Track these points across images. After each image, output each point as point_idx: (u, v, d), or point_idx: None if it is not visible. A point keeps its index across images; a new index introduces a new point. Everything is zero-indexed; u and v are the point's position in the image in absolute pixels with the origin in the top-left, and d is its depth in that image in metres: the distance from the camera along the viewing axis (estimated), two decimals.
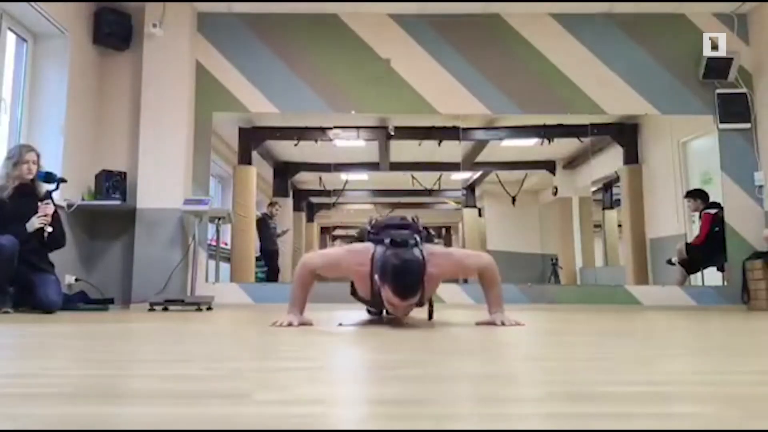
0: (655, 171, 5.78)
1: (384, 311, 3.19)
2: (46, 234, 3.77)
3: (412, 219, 2.67)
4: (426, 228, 2.64)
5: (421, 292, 2.30)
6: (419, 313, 3.47)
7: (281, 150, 6.10)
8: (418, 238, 2.43)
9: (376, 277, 2.31)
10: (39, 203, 3.78)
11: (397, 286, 2.23)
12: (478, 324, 2.52)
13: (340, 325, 2.52)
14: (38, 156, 3.88)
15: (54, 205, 3.88)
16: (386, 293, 2.26)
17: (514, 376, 1.12)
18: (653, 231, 5.64)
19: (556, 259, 5.85)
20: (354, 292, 2.82)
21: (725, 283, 5.41)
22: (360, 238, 2.62)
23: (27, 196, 3.80)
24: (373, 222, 2.65)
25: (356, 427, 0.69)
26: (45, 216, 3.75)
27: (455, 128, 5.71)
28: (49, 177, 3.86)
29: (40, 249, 3.85)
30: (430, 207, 6.30)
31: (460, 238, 5.99)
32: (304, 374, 1.12)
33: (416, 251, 2.33)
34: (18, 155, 3.80)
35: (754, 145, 5.47)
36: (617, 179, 5.86)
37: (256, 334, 2.09)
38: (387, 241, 2.38)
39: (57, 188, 3.94)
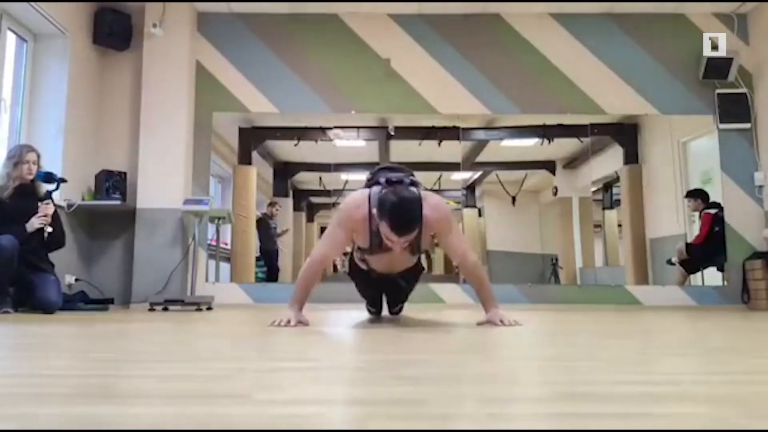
0: (655, 171, 5.78)
1: (382, 310, 3.20)
2: (46, 234, 3.77)
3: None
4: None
5: (419, 230, 2.33)
6: (418, 313, 3.48)
7: (281, 150, 6.10)
8: (413, 179, 2.51)
9: (374, 212, 2.34)
10: (39, 203, 3.78)
11: (395, 220, 2.25)
12: (479, 324, 2.52)
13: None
14: (38, 156, 3.88)
15: (54, 205, 3.88)
16: (384, 229, 2.28)
17: (514, 376, 1.12)
18: (653, 231, 5.64)
19: (556, 259, 5.85)
20: (351, 270, 2.84)
21: (725, 283, 5.41)
22: None
23: (27, 196, 3.79)
24: (370, 172, 2.70)
25: (356, 427, 0.69)
26: (45, 216, 3.75)
27: (455, 128, 5.71)
28: (49, 177, 3.86)
29: (40, 249, 3.84)
30: None
31: None
32: (304, 374, 1.12)
33: (413, 188, 2.40)
34: (18, 155, 3.80)
35: (754, 145, 5.47)
36: (617, 179, 5.86)
37: (256, 334, 2.09)
38: (383, 180, 2.45)
39: (57, 188, 3.94)
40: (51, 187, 3.89)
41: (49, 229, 3.77)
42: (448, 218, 2.57)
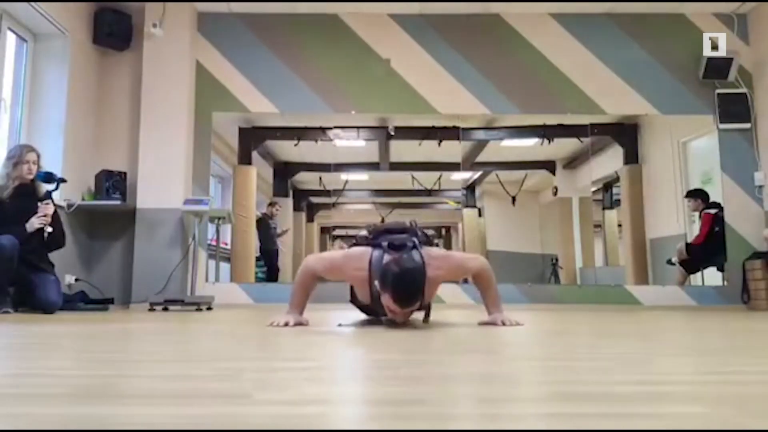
0: (655, 171, 5.78)
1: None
2: (46, 234, 3.77)
3: (410, 223, 2.66)
4: (425, 232, 2.64)
5: (422, 297, 2.30)
6: (417, 313, 3.47)
7: (281, 150, 6.10)
8: (416, 241, 2.42)
9: (376, 283, 2.30)
10: (39, 203, 3.78)
11: (399, 294, 2.21)
12: (480, 324, 2.52)
13: (340, 325, 2.52)
14: (38, 156, 3.88)
15: (54, 205, 3.88)
16: (387, 300, 2.24)
17: (514, 376, 1.12)
18: (653, 231, 5.64)
19: (556, 259, 5.85)
20: (353, 299, 2.82)
21: (725, 283, 5.41)
22: (358, 245, 2.62)
23: (27, 196, 3.79)
24: (371, 228, 2.64)
25: (356, 427, 0.69)
26: (45, 216, 3.75)
27: (455, 128, 5.71)
28: (48, 177, 3.86)
29: (40, 249, 3.84)
30: (430, 207, 6.30)
31: (459, 238, 5.99)
32: (304, 374, 1.12)
33: (415, 255, 2.33)
34: (18, 155, 3.80)
35: (754, 145, 5.47)
36: (617, 179, 5.86)
37: (256, 334, 2.09)
38: (385, 244, 2.39)
39: (57, 188, 3.94)
40: (51, 187, 3.89)
41: (49, 229, 3.77)
42: (452, 267, 2.55)
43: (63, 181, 3.98)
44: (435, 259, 2.41)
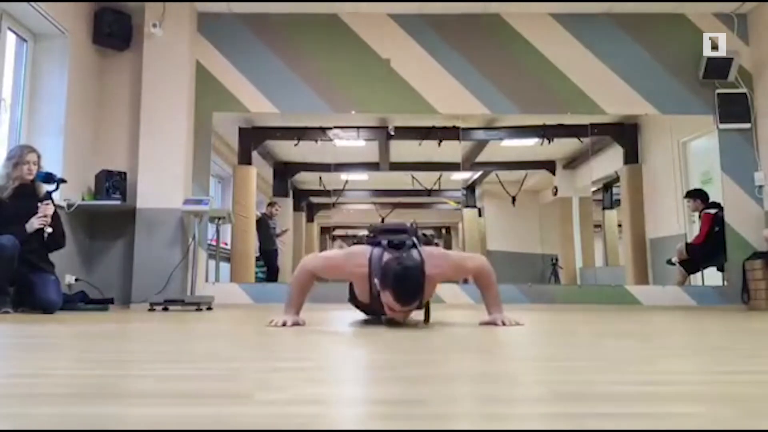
0: (655, 171, 5.78)
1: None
2: (46, 235, 3.76)
3: (410, 224, 2.68)
4: (424, 233, 2.65)
5: (421, 295, 2.31)
6: (417, 314, 3.47)
7: (281, 150, 6.10)
8: (415, 240, 2.45)
9: (376, 281, 2.32)
10: (39, 204, 3.78)
11: (399, 292, 2.23)
12: (481, 324, 2.52)
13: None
14: (39, 157, 3.87)
15: (54, 205, 3.88)
16: (386, 298, 2.26)
17: (514, 376, 1.12)
18: (653, 231, 5.64)
19: (556, 259, 5.85)
20: (352, 299, 2.83)
21: (725, 283, 5.41)
22: (359, 243, 2.63)
23: (27, 196, 3.79)
24: (371, 227, 2.68)
25: (356, 427, 0.69)
26: (45, 217, 3.74)
27: (455, 128, 5.71)
28: (48, 177, 3.86)
29: (40, 249, 3.84)
30: (430, 207, 6.30)
31: (459, 238, 5.99)
32: (304, 374, 1.12)
33: (414, 253, 2.36)
34: (18, 156, 3.79)
35: (754, 145, 5.47)
36: (617, 179, 5.86)
37: (255, 335, 2.09)
38: (384, 242, 2.41)
39: (57, 189, 3.94)
40: (51, 187, 3.89)
41: (49, 230, 3.77)
42: (450, 266, 2.57)
43: (63, 181, 3.98)
44: (433, 257, 2.43)
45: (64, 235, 4.05)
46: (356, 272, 2.45)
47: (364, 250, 2.46)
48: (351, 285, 2.78)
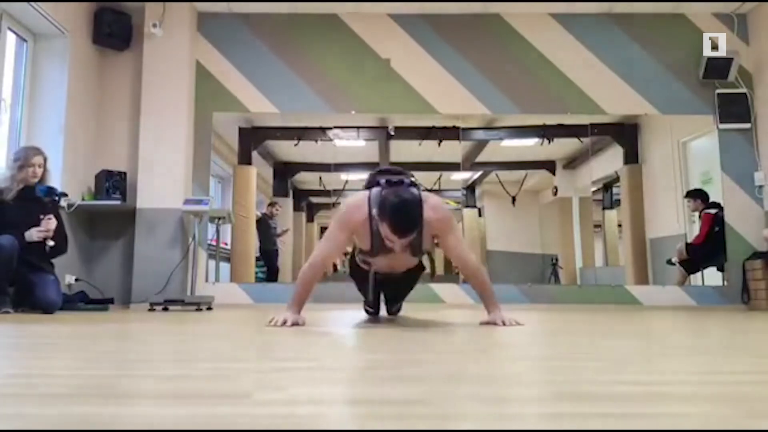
0: (655, 171, 5.79)
1: (380, 311, 3.20)
2: (47, 248, 3.74)
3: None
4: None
5: (419, 231, 2.35)
6: (418, 313, 3.48)
7: (281, 150, 6.10)
8: (413, 180, 2.53)
9: (375, 212, 2.36)
10: (41, 216, 3.72)
11: (396, 221, 2.27)
12: (481, 324, 2.53)
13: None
14: (45, 159, 3.85)
15: (57, 218, 3.82)
16: (385, 230, 2.31)
17: (514, 376, 1.12)
18: (653, 231, 5.64)
19: (556, 259, 5.85)
20: (352, 267, 2.84)
21: (725, 283, 5.41)
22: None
23: (31, 199, 3.76)
24: (369, 175, 2.73)
25: (356, 427, 0.69)
26: (46, 231, 3.71)
27: (455, 128, 5.71)
28: (50, 192, 3.84)
29: (40, 250, 3.83)
30: None
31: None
32: (304, 374, 1.12)
33: (413, 189, 2.42)
34: (24, 158, 3.77)
35: (754, 145, 5.47)
36: (617, 179, 5.86)
37: (255, 334, 2.09)
38: (383, 181, 2.47)
39: (58, 202, 3.94)
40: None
41: (51, 243, 3.73)
42: (449, 219, 2.59)
43: (64, 195, 4.00)
44: (431, 198, 2.50)
45: (67, 240, 4.00)
46: (356, 216, 2.47)
47: (362, 193, 2.53)
48: (352, 256, 2.80)
